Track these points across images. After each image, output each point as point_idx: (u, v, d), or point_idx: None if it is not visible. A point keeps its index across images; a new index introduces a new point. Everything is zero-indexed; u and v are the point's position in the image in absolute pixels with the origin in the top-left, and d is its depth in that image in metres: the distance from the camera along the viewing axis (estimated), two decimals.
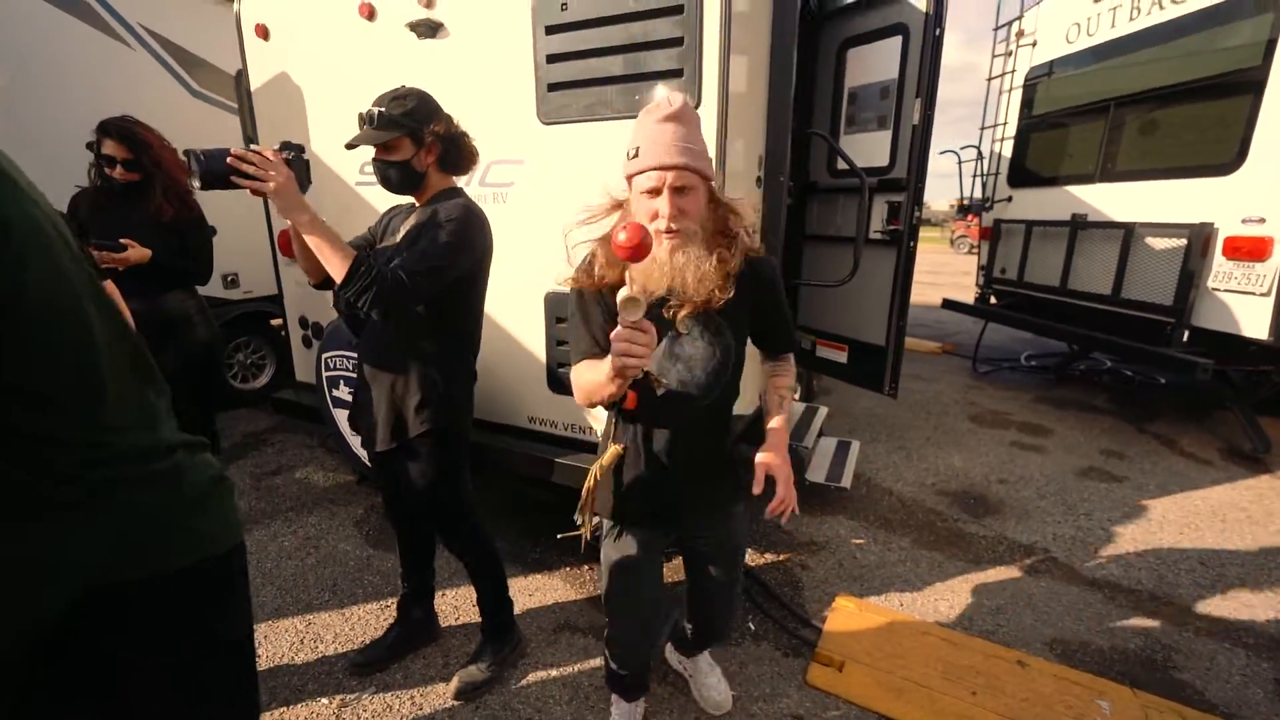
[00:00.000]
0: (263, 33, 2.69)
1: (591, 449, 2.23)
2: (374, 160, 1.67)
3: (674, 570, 2.40)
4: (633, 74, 2.01)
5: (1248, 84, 3.54)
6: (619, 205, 1.30)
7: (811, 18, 3.14)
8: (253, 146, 1.44)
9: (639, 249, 0.96)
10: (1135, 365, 4.98)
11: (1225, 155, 3.70)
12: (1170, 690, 1.99)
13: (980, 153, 5.80)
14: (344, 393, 2.60)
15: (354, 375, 2.22)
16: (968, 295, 6.25)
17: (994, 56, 5.65)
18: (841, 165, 3.07)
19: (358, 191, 2.63)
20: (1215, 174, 3.76)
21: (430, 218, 1.64)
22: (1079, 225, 4.62)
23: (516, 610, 2.18)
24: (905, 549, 2.80)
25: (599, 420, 2.31)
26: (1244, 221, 3.56)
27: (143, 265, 2.26)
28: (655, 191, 1.16)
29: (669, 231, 1.16)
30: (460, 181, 1.84)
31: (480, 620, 2.05)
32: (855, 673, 2.03)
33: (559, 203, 2.23)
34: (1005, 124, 5.54)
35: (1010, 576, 2.60)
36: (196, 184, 1.39)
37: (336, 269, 1.49)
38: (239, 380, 4.52)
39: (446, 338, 1.77)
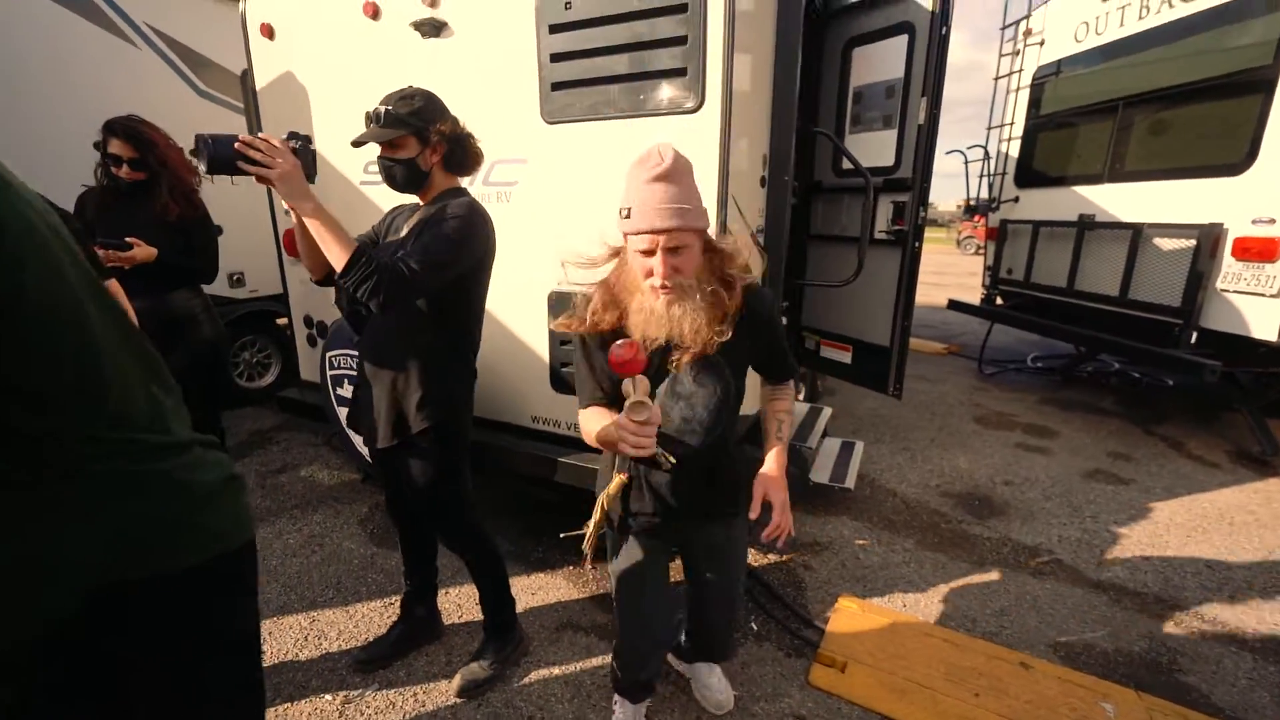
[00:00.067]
0: (268, 32, 2.70)
1: (591, 449, 2.23)
2: (379, 158, 1.69)
3: (675, 571, 2.39)
4: (636, 73, 2.01)
5: (1258, 83, 3.51)
6: (616, 253, 1.32)
7: (816, 16, 3.13)
8: (260, 134, 1.44)
9: (631, 365, 1.09)
10: (1142, 367, 4.94)
11: (1235, 155, 3.66)
12: (1175, 693, 1.98)
13: (987, 152, 5.76)
14: (348, 391, 2.61)
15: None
16: (973, 296, 6.21)
17: (1001, 55, 5.61)
18: (846, 165, 3.06)
19: (362, 190, 2.64)
20: (1224, 174, 3.72)
21: (435, 214, 1.65)
22: (1086, 226, 4.58)
23: (519, 609, 2.18)
24: (909, 550, 2.79)
25: None
26: (1254, 222, 3.53)
27: (149, 264, 2.28)
28: (649, 252, 1.18)
29: (664, 288, 1.19)
30: (464, 181, 1.84)
31: (483, 618, 2.06)
32: (858, 673, 2.02)
33: (562, 202, 2.24)
34: (1012, 124, 5.50)
35: (1014, 578, 2.59)
36: (203, 167, 1.39)
37: (337, 257, 1.49)
38: (244, 379, 4.54)
39: (447, 335, 1.77)
